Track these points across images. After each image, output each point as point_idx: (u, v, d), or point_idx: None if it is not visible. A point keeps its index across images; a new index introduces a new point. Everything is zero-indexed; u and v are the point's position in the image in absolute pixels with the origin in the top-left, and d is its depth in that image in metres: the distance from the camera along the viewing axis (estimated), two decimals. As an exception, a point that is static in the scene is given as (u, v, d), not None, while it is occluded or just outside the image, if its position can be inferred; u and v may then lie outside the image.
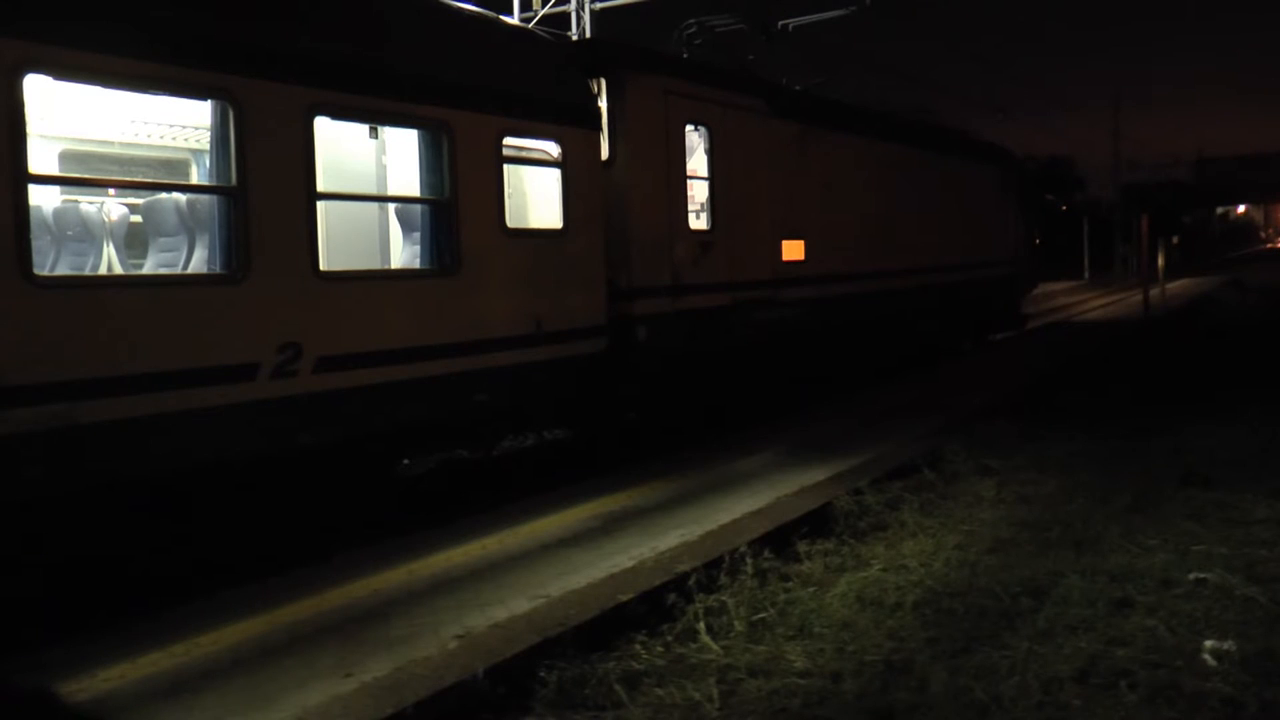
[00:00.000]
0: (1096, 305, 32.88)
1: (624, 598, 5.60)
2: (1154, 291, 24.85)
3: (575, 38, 20.40)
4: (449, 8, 8.58)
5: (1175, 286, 35.36)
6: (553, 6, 22.15)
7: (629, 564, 6.26)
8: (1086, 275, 52.07)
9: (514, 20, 9.66)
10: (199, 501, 6.23)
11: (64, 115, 7.08)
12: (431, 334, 7.46)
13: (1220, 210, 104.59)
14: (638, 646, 5.19)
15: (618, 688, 4.70)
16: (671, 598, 5.71)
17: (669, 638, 5.33)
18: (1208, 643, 4.96)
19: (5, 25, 5.13)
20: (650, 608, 5.61)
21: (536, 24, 20.42)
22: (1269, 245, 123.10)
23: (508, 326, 8.09)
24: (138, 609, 5.58)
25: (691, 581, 5.88)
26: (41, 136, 6.34)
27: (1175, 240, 47.61)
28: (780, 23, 19.90)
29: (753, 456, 9.58)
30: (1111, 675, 4.67)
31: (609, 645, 5.19)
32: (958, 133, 20.25)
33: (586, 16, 22.36)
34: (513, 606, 5.56)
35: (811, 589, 6.03)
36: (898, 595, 5.82)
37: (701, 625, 5.42)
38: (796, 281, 12.01)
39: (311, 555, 6.49)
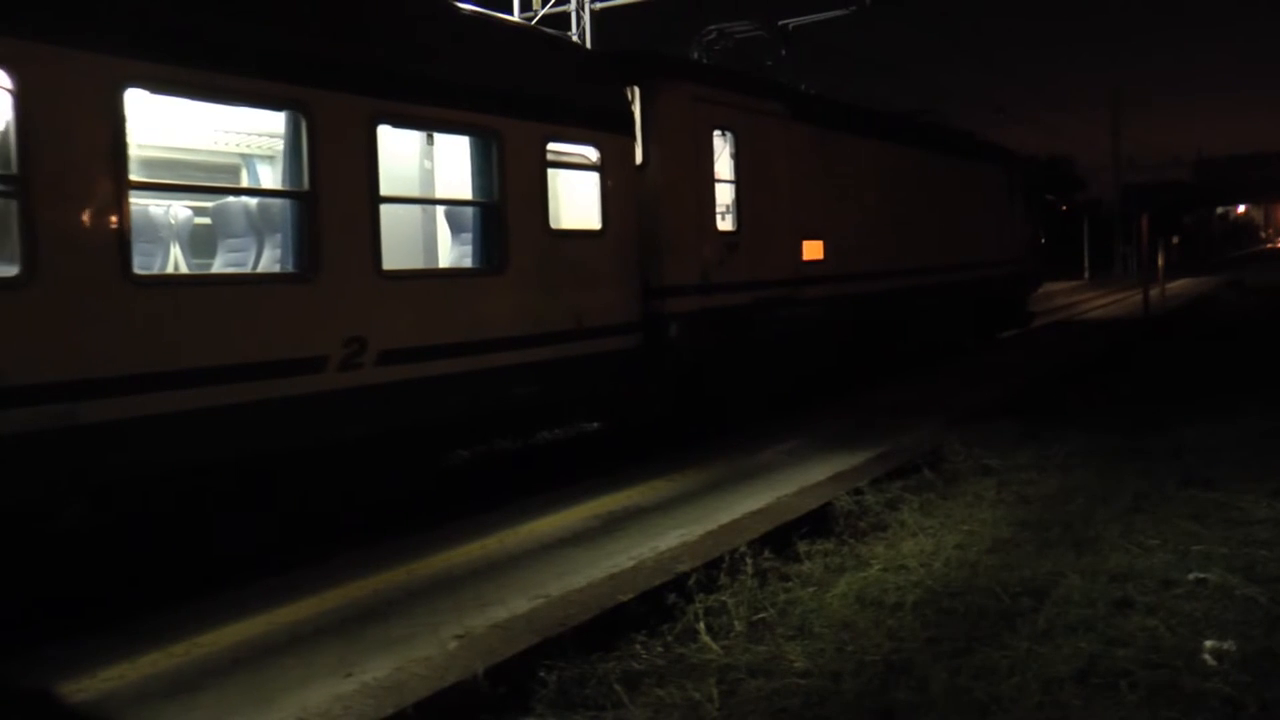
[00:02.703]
0: (1098, 305, 32.89)
1: (624, 598, 5.60)
2: (1154, 291, 24.89)
3: (574, 37, 20.42)
4: (496, 20, 9.13)
5: (1175, 286, 35.36)
6: (553, 6, 22.16)
7: (629, 564, 6.26)
8: (1086, 275, 52.09)
9: (553, 32, 10.16)
10: (268, 489, 6.58)
11: (151, 126, 7.34)
12: (481, 329, 7.88)
13: (1220, 210, 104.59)
14: (638, 646, 5.19)
15: (618, 688, 4.70)
16: (671, 598, 5.70)
17: (669, 638, 5.32)
18: (1208, 643, 4.95)
19: (111, 44, 5.58)
20: (650, 608, 5.61)
21: (537, 24, 20.42)
22: (1269, 245, 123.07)
23: (551, 322, 8.49)
24: (138, 609, 5.59)
25: (691, 581, 5.87)
26: (138, 145, 6.66)
27: (1175, 240, 47.63)
28: (780, 22, 19.89)
29: (756, 455, 9.59)
30: (1111, 675, 4.66)
31: (609, 645, 5.18)
32: (966, 134, 20.33)
33: (586, 16, 22.37)
34: (513, 606, 5.56)
35: (811, 589, 6.03)
36: (898, 595, 5.82)
37: (701, 625, 5.41)
38: (815, 280, 12.42)
39: (311, 555, 6.50)
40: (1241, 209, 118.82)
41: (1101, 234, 56.66)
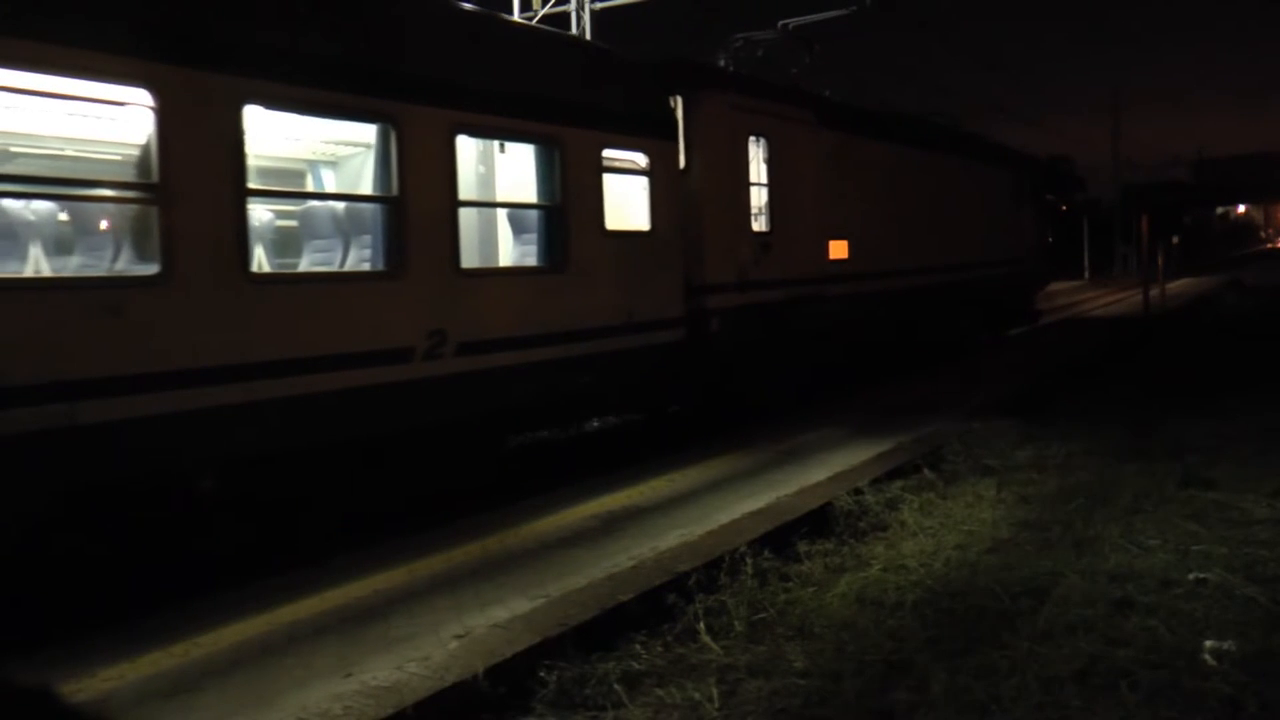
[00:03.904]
0: (1099, 304, 32.93)
1: (624, 598, 5.60)
2: (1154, 291, 24.99)
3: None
4: (559, 36, 9.89)
5: (1175, 286, 35.37)
6: (553, 6, 22.16)
7: (629, 564, 6.26)
8: (1086, 275, 52.06)
9: (601, 44, 10.81)
10: (354, 471, 7.11)
11: (263, 138, 7.81)
12: (545, 323, 8.52)
13: (1220, 210, 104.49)
14: (638, 646, 5.19)
15: (618, 687, 4.71)
16: (671, 598, 5.71)
17: (669, 638, 5.33)
18: (1208, 643, 4.95)
19: (233, 65, 6.23)
20: (650, 608, 5.61)
21: (537, 23, 20.43)
22: (1269, 245, 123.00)
23: (606, 317, 9.18)
24: (138, 609, 5.59)
25: (691, 581, 5.88)
26: (254, 156, 7.15)
27: (1175, 240, 47.56)
28: (780, 22, 19.93)
29: (758, 452, 9.59)
30: (1111, 675, 4.67)
31: (609, 645, 5.18)
32: (977, 137, 20.87)
33: (586, 16, 22.37)
34: (513, 606, 5.56)
35: (811, 589, 6.03)
36: (898, 595, 5.82)
37: (701, 625, 5.42)
38: (840, 278, 13.14)
39: (311, 555, 6.49)
40: (1241, 209, 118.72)
41: (1101, 234, 56.60)
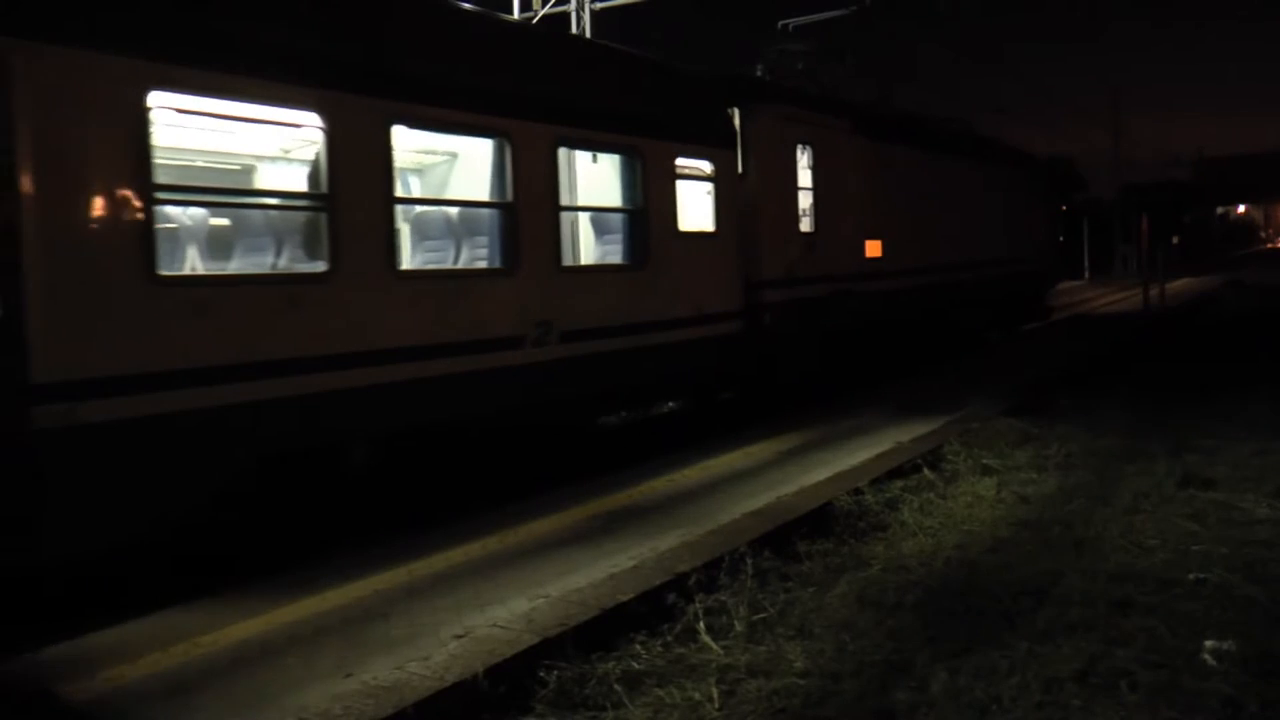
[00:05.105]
0: (1100, 303, 32.93)
1: (624, 598, 5.59)
2: (1154, 291, 25.08)
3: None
4: (637, 56, 10.95)
5: (1176, 286, 35.33)
6: (553, 6, 22.16)
7: (629, 564, 6.26)
8: (1086, 275, 52.03)
9: (670, 61, 11.87)
10: (475, 445, 8.14)
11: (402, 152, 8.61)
12: (630, 315, 9.54)
13: (1220, 210, 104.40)
14: (638, 646, 5.19)
15: (618, 687, 4.70)
16: (671, 598, 5.70)
17: (669, 638, 5.32)
18: (1208, 643, 4.96)
19: (385, 91, 7.21)
20: (650, 608, 5.60)
21: (537, 23, 20.43)
22: (1269, 245, 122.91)
23: (680, 309, 10.19)
24: (138, 608, 5.59)
25: (691, 581, 5.87)
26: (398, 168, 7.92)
27: (1175, 240, 47.55)
28: (780, 23, 19.98)
29: (757, 450, 9.59)
30: (1111, 675, 4.67)
31: (609, 645, 5.18)
32: (994, 140, 21.72)
33: (586, 16, 22.37)
34: (513, 606, 5.56)
35: (811, 589, 6.03)
36: (898, 595, 5.82)
37: (701, 625, 5.41)
38: (875, 275, 14.16)
39: (312, 555, 6.50)
40: (1241, 209, 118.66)
41: (1101, 234, 56.57)
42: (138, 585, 5.84)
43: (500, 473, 8.32)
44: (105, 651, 5.05)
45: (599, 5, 22.57)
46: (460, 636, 5.14)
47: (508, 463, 8.51)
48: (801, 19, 20.54)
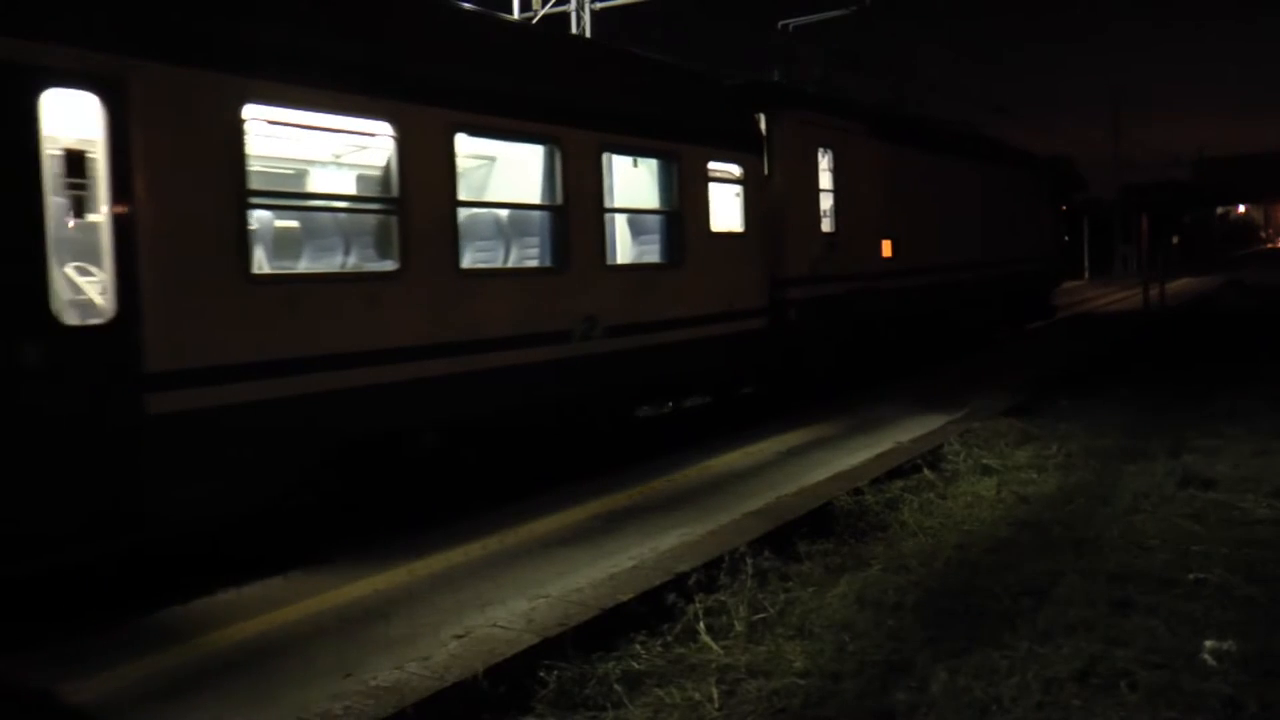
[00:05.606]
0: (1101, 303, 32.96)
1: (624, 598, 5.60)
2: (1154, 291, 25.16)
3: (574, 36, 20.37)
4: (674, 66, 11.64)
5: (1176, 286, 35.35)
6: (553, 6, 22.15)
7: (629, 564, 6.26)
8: (1086, 275, 52.03)
9: (702, 70, 12.65)
10: (523, 432, 8.60)
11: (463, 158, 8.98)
12: (667, 311, 10.03)
13: (1220, 210, 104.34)
14: (638, 646, 5.19)
15: (618, 687, 4.70)
16: (671, 598, 5.70)
17: (669, 638, 5.32)
18: (1208, 643, 4.96)
19: (450, 101, 7.68)
20: (650, 608, 5.60)
21: (537, 23, 20.42)
22: (1269, 245, 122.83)
23: (713, 305, 10.70)
24: (138, 608, 5.59)
25: (691, 581, 5.87)
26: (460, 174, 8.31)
27: (1175, 240, 47.53)
28: (781, 23, 19.98)
29: (758, 448, 9.59)
30: (1111, 675, 4.67)
31: (609, 645, 5.18)
32: (999, 142, 22.02)
33: (586, 16, 22.36)
34: (513, 606, 5.56)
35: (811, 589, 6.03)
36: (898, 595, 5.82)
37: (701, 625, 5.41)
38: (890, 274, 14.67)
39: (312, 555, 6.50)
40: (1241, 209, 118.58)
41: (1101, 234, 56.55)
42: (136, 586, 5.85)
43: (535, 463, 8.70)
44: (105, 651, 5.03)
45: (599, 5, 22.56)
46: (460, 636, 5.14)
47: (544, 454, 8.90)
48: (801, 19, 20.55)
